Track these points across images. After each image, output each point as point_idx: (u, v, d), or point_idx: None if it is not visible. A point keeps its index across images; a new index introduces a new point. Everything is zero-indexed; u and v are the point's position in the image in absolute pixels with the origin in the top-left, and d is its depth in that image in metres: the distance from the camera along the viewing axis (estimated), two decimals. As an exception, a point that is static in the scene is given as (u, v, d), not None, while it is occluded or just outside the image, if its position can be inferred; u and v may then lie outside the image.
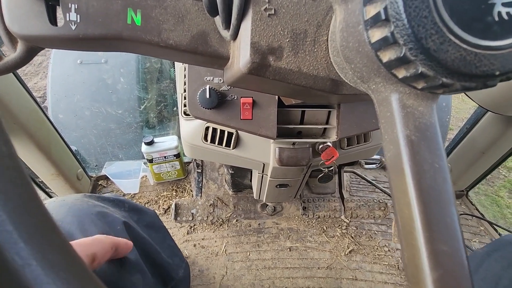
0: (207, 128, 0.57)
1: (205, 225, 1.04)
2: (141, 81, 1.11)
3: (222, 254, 0.97)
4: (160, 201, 1.11)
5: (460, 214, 1.08)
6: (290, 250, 0.98)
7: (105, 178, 1.14)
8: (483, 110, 0.91)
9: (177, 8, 0.23)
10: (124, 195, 1.13)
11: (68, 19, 0.21)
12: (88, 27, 0.22)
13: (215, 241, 1.00)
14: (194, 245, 0.99)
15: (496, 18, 0.13)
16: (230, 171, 0.99)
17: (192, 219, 1.04)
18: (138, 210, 0.52)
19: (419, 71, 0.14)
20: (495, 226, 1.05)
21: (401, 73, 0.15)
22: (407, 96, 0.17)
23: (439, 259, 0.15)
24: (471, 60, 0.14)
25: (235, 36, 0.22)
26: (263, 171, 0.70)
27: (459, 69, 0.14)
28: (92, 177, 1.13)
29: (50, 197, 1.03)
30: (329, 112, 0.50)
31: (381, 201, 1.10)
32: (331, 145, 0.56)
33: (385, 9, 0.14)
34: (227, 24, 0.22)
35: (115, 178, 1.08)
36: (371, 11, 0.15)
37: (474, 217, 1.08)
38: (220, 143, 0.59)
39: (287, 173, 0.68)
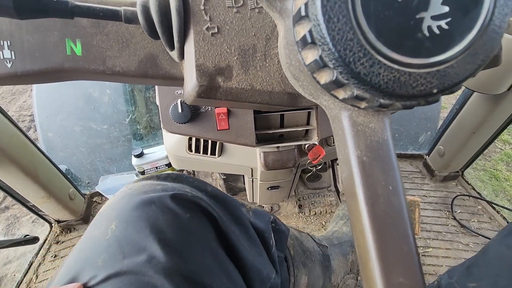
0: (190, 139, 0.56)
1: (204, 231, 1.03)
2: (124, 94, 1.09)
3: (223, 259, 0.96)
4: (157, 212, 1.10)
5: (457, 195, 1.08)
6: (290, 249, 0.98)
7: (99, 194, 1.13)
8: (470, 90, 0.90)
9: (119, 33, 0.22)
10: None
11: (1, 57, 0.20)
12: (26, 63, 0.21)
13: (215, 247, 0.99)
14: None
15: (427, 34, 0.12)
16: (222, 176, 0.98)
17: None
18: (221, 199, 0.39)
19: (355, 94, 0.13)
20: (493, 205, 1.05)
21: (340, 94, 0.14)
22: (357, 113, 0.16)
23: None
24: (405, 80, 0.13)
25: (181, 56, 0.21)
26: (252, 175, 0.69)
27: (394, 91, 0.13)
28: (85, 195, 1.12)
29: (44, 219, 1.02)
30: (309, 113, 0.49)
31: (377, 190, 1.10)
32: (317, 144, 0.55)
33: (310, 32, 0.13)
34: (170, 46, 0.21)
35: (108, 194, 1.07)
36: (300, 32, 0.14)
37: (471, 197, 1.08)
38: (205, 152, 0.58)
39: (277, 176, 0.67)
